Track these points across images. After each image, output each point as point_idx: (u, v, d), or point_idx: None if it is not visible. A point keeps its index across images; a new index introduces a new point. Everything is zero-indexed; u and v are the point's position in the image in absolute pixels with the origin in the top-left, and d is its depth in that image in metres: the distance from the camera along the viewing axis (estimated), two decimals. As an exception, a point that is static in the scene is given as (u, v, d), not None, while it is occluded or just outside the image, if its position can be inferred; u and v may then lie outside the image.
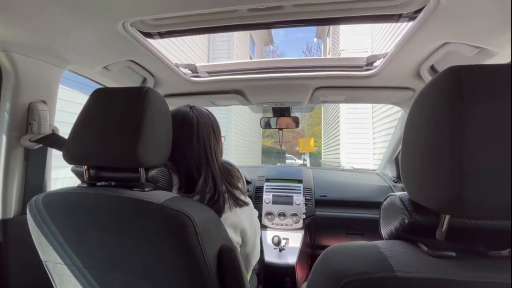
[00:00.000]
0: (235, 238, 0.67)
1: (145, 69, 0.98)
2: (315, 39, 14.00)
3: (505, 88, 0.30)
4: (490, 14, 0.57)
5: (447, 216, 0.34)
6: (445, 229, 0.34)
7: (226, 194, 0.67)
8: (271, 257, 1.20)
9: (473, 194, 0.29)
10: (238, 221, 0.67)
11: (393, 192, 0.41)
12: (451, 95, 0.31)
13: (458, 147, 0.29)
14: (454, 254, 0.33)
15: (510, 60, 0.70)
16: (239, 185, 0.72)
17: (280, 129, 1.51)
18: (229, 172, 0.72)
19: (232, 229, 0.66)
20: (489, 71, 0.31)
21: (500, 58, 0.71)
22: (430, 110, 0.34)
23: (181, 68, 1.05)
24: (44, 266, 0.60)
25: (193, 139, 0.68)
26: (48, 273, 0.61)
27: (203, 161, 0.67)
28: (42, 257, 0.59)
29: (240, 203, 0.68)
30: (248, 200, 0.74)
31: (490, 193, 0.29)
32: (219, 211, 0.64)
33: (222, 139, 0.81)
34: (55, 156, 0.87)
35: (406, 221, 0.38)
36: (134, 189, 0.55)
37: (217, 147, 0.72)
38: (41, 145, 0.79)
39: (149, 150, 0.54)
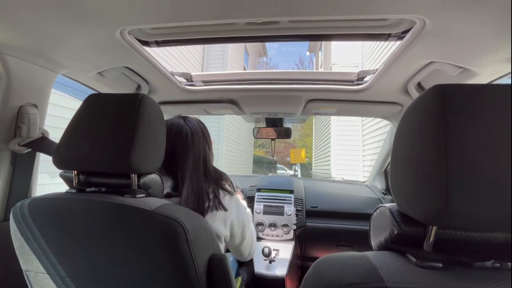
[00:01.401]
0: (224, 231, 0.72)
1: (140, 76, 0.99)
2: (308, 53, 14.38)
3: (486, 106, 0.32)
4: (473, 37, 0.61)
5: (434, 228, 0.35)
6: (432, 240, 0.35)
7: (211, 195, 0.72)
8: (261, 268, 1.18)
9: (458, 207, 0.30)
10: (226, 214, 0.72)
11: (382, 203, 0.42)
12: (436, 111, 0.33)
13: (443, 160, 0.31)
14: (441, 265, 0.34)
15: (491, 80, 0.75)
16: (227, 187, 0.77)
17: (273, 139, 1.53)
18: (220, 175, 0.79)
19: (222, 222, 0.71)
20: (471, 90, 0.33)
21: (482, 78, 0.75)
22: (417, 125, 0.36)
23: (176, 77, 1.06)
24: (25, 276, 0.58)
25: (188, 149, 0.73)
26: (28, 284, 0.58)
27: (196, 167, 0.73)
28: (23, 266, 0.57)
29: (220, 207, 0.72)
30: (235, 197, 0.78)
31: (475, 205, 0.30)
32: (203, 210, 0.69)
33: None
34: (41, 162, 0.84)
35: (395, 232, 0.39)
36: (125, 195, 0.54)
37: (209, 153, 0.80)
38: (30, 149, 0.76)
39: (143, 156, 0.54)
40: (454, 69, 0.75)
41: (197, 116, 0.91)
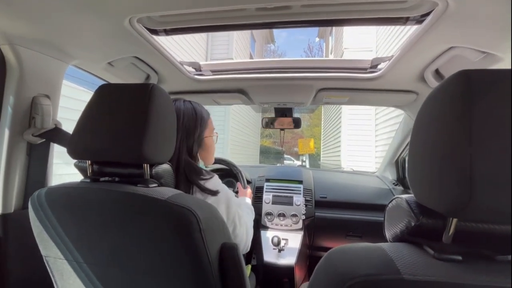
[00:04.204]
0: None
1: (149, 66, 0.98)
2: (317, 39, 13.99)
3: None
4: (498, 19, 0.57)
5: (455, 220, 0.34)
6: (452, 233, 0.34)
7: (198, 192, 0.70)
8: (270, 257, 1.20)
9: (482, 199, 0.29)
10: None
11: (393, 194, 0.41)
12: (461, 99, 0.31)
13: (468, 150, 0.29)
14: (460, 257, 0.33)
15: None
16: (205, 185, 0.71)
17: (282, 129, 1.51)
18: (196, 172, 0.72)
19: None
20: (500, 76, 0.31)
21: (507, 63, 0.71)
22: (439, 114, 0.34)
23: (185, 66, 1.05)
24: (44, 261, 0.60)
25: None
26: (48, 269, 0.60)
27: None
28: (43, 252, 0.59)
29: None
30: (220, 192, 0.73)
31: (500, 197, 0.29)
32: None
33: (214, 136, 0.84)
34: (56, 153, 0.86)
35: (413, 224, 0.38)
36: (138, 185, 0.55)
37: (193, 141, 0.75)
38: (44, 139, 0.78)
39: (154, 146, 0.54)
40: (476, 55, 0.71)
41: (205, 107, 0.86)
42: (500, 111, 0.30)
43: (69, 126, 0.76)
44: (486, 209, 0.30)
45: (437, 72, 0.89)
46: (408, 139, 1.13)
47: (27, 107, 0.75)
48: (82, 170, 0.64)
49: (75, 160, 0.63)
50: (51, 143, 0.83)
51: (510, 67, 0.71)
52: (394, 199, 0.44)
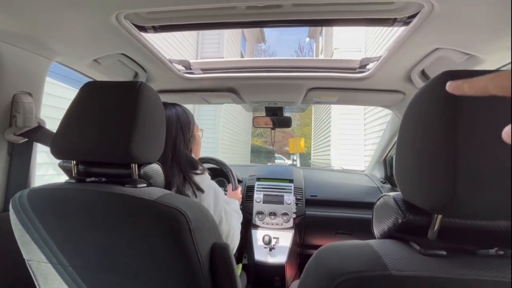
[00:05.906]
0: None
1: (137, 63, 0.96)
2: (307, 39, 14.11)
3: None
4: (481, 22, 0.59)
5: (439, 216, 0.35)
6: (436, 229, 0.35)
7: (179, 180, 0.75)
8: (261, 256, 1.20)
9: (466, 195, 0.30)
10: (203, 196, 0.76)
11: (381, 192, 0.42)
12: (446, 98, 0.32)
13: (452, 147, 0.30)
14: (445, 253, 0.34)
15: (497, 66, 0.74)
16: (195, 179, 0.77)
17: (273, 128, 1.52)
18: (191, 164, 0.80)
19: None
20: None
21: (488, 64, 0.74)
22: (425, 112, 0.35)
23: (174, 64, 1.03)
24: (27, 265, 0.58)
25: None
26: (31, 273, 0.58)
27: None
28: (25, 256, 0.57)
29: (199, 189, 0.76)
30: (207, 188, 0.78)
31: (482, 195, 0.30)
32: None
33: (200, 132, 0.92)
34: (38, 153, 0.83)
35: (400, 221, 0.38)
36: (126, 185, 0.54)
37: (182, 139, 0.81)
38: (26, 139, 0.75)
39: (142, 145, 0.53)
40: (460, 56, 0.73)
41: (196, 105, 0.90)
42: (482, 110, 0.31)
43: (53, 125, 0.73)
44: (469, 205, 0.31)
45: (423, 73, 0.91)
46: (396, 138, 1.16)
47: (7, 105, 0.72)
48: (67, 171, 0.62)
49: (60, 160, 0.61)
50: (35, 143, 0.80)
51: (491, 68, 0.74)
52: (382, 196, 0.45)
